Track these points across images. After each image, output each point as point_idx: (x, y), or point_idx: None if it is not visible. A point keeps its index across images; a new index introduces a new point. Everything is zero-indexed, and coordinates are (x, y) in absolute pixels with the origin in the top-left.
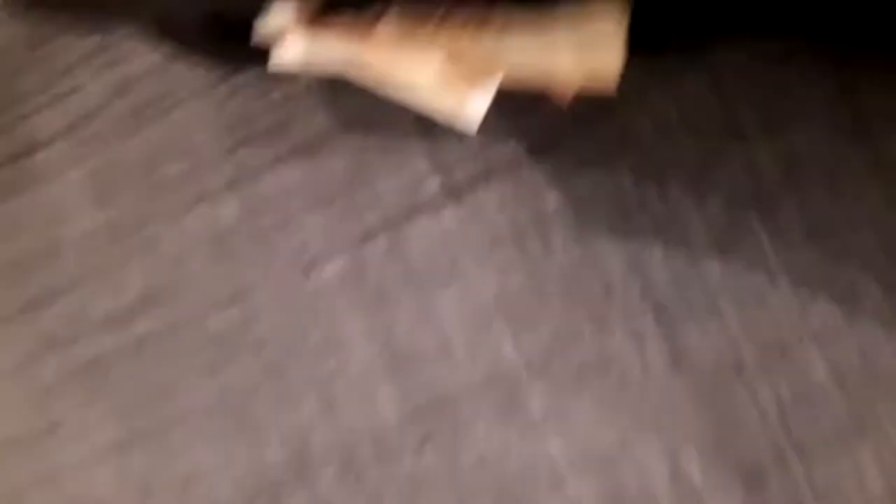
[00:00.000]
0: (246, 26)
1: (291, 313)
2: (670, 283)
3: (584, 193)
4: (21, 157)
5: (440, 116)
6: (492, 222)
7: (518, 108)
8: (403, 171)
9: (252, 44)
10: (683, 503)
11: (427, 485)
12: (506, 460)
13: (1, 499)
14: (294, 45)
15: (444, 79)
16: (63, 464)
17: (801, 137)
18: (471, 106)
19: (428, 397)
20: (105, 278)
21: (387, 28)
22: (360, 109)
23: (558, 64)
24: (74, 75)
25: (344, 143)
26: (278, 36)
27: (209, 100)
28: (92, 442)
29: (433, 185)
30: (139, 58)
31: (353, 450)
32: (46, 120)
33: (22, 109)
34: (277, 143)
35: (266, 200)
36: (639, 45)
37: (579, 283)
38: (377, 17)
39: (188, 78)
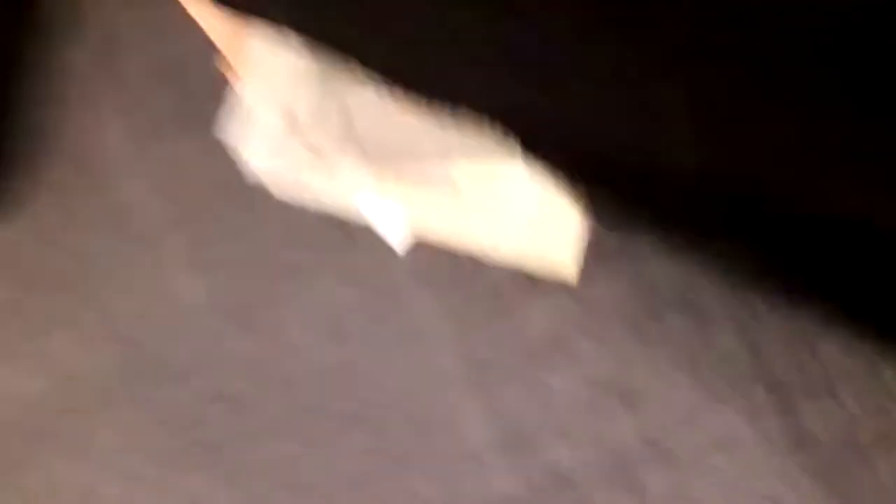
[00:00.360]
0: None
1: (408, 393)
2: (786, 360)
3: (696, 270)
4: (115, 220)
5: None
6: (604, 302)
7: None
8: None
9: None
10: None
11: None
12: None
13: None
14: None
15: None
16: None
17: None
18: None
19: (544, 475)
20: (214, 356)
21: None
22: None
23: (509, 244)
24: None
25: None
26: None
27: None
28: None
29: None
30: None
31: None
32: (137, 182)
33: (110, 168)
34: None
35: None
36: None
37: (694, 362)
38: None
39: None
